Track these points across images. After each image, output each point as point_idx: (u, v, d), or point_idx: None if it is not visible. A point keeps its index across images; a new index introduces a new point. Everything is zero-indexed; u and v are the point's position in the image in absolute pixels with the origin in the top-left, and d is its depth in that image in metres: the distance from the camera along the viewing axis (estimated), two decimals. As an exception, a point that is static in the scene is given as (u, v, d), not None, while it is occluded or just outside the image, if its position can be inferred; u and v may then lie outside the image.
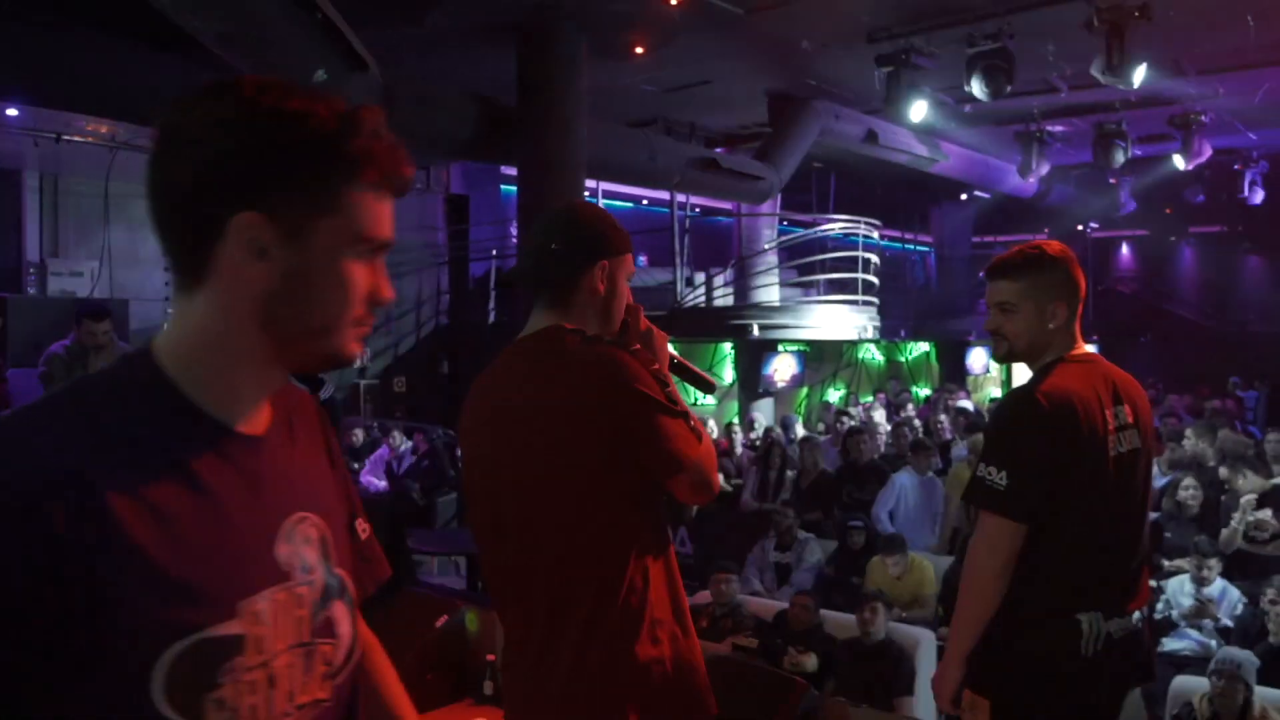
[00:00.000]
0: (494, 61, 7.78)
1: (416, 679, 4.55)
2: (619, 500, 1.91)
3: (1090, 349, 2.34)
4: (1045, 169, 12.00)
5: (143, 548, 0.86)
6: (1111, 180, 12.75)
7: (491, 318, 12.76)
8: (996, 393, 15.77)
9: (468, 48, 7.99)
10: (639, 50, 7.33)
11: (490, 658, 4.74)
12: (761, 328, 10.38)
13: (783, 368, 10.54)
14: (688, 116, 10.36)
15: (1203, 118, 10.46)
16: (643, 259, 14.23)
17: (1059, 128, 11.37)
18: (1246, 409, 12.23)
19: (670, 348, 2.15)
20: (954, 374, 16.17)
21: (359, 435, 9.62)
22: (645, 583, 1.91)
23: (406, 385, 12.73)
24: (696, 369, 2.21)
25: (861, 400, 12.75)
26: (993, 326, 2.36)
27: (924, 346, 16.08)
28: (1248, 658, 4.42)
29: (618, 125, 8.54)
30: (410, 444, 9.08)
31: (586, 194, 11.78)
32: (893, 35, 8.15)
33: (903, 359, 15.41)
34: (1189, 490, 6.20)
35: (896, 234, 16.53)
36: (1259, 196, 12.96)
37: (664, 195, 12.36)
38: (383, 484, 8.85)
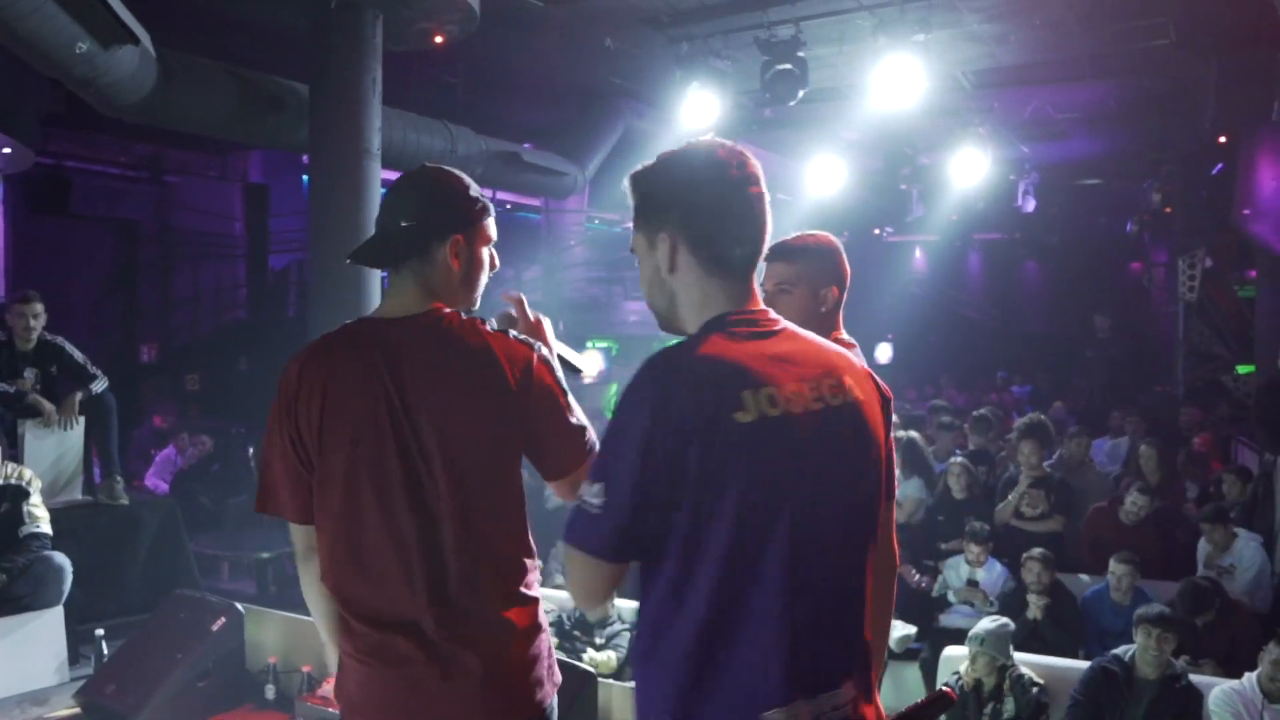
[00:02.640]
0: (286, 42, 7.49)
1: (190, 686, 4.32)
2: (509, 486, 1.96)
3: (847, 338, 2.41)
4: (842, 174, 12.55)
5: None
6: (902, 187, 13.43)
7: (291, 312, 12.27)
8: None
9: (259, 27, 7.65)
10: (438, 39, 7.20)
11: (272, 660, 4.56)
12: (568, 324, 10.40)
13: (590, 363, 10.60)
14: (493, 109, 10.26)
15: (979, 130, 11.18)
16: (451, 253, 14.00)
17: (852, 134, 11.91)
18: (1024, 403, 13.14)
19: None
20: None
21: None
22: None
23: (200, 383, 12.08)
24: (571, 354, 2.18)
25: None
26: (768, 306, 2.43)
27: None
28: (1000, 627, 4.74)
29: (416, 115, 8.36)
30: (194, 449, 8.64)
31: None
32: (691, 36, 8.34)
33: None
34: (958, 478, 6.59)
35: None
36: (1031, 205, 13.96)
37: (473, 190, 12.21)
38: (165, 486, 8.37)
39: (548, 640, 1.99)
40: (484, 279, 2.06)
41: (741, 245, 1.63)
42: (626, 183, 1.71)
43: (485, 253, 2.04)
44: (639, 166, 1.71)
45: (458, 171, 2.04)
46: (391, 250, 1.97)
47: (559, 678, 2.00)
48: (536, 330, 2.08)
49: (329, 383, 1.91)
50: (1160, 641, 4.27)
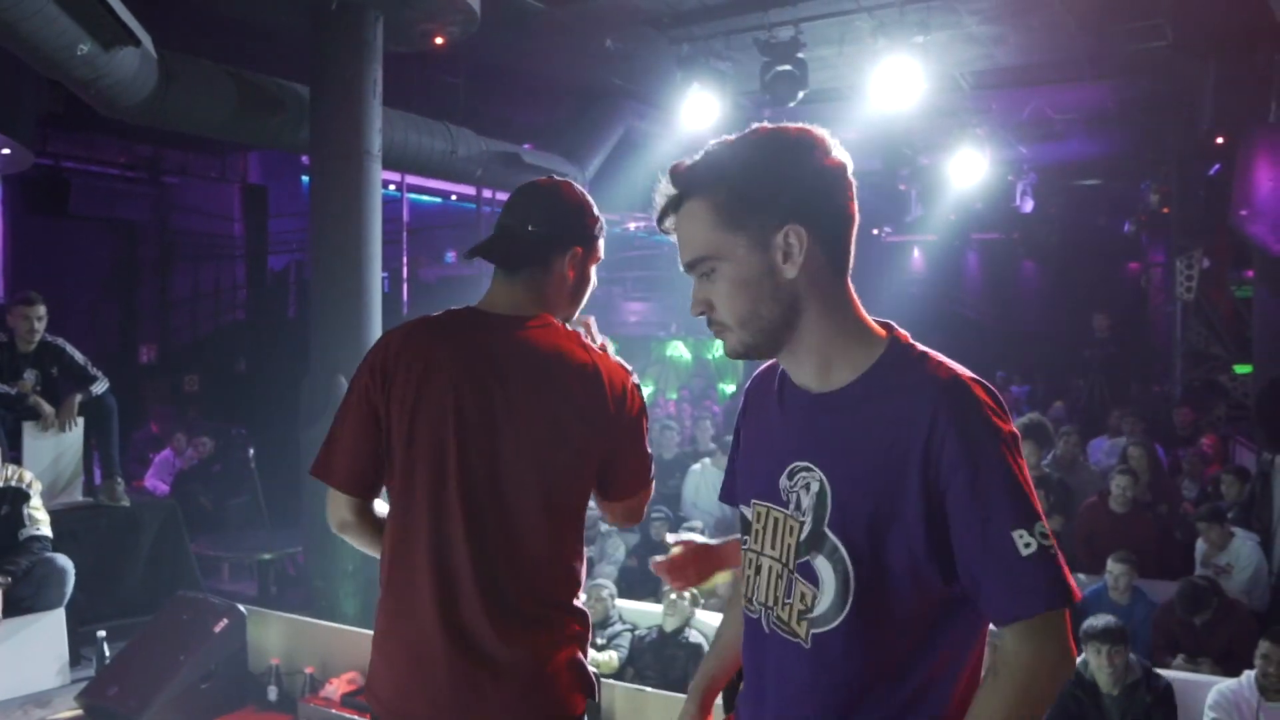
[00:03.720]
0: (287, 44, 7.50)
1: (193, 688, 4.33)
2: (582, 502, 1.96)
3: None
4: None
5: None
6: (901, 187, 13.45)
7: (291, 313, 12.27)
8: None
9: (260, 28, 7.66)
10: (439, 40, 7.20)
11: (275, 661, 4.57)
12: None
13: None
14: (494, 111, 10.27)
15: (977, 131, 11.20)
16: (450, 255, 14.02)
17: (851, 135, 11.91)
18: (1022, 403, 13.16)
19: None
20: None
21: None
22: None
23: (199, 384, 12.08)
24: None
25: (668, 397, 13.01)
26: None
27: (730, 344, 16.55)
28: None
29: (418, 116, 8.37)
30: (193, 450, 8.65)
31: (391, 186, 11.55)
32: (691, 37, 8.35)
33: (710, 356, 15.81)
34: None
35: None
36: (1029, 206, 13.98)
37: (471, 190, 12.24)
38: (165, 487, 8.37)
39: (584, 648, 1.99)
40: (587, 296, 2.10)
41: (853, 240, 1.43)
42: (707, 171, 1.42)
43: (594, 271, 2.09)
44: (706, 154, 1.44)
45: (582, 189, 2.07)
46: (516, 251, 1.98)
47: (592, 684, 2.00)
48: (602, 353, 2.08)
49: (431, 363, 1.90)
50: (1111, 657, 4.21)
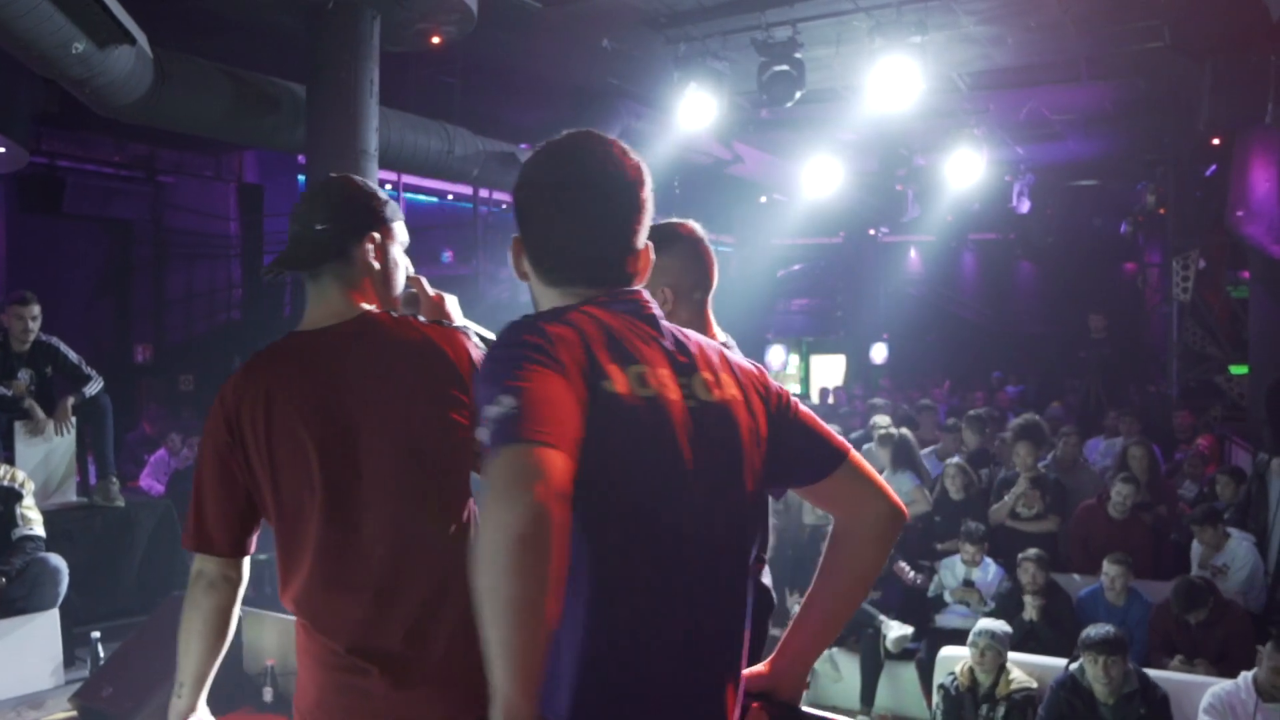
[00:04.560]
0: (282, 43, 7.47)
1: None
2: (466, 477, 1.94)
3: (721, 336, 2.28)
4: (839, 175, 12.57)
5: None
6: (898, 187, 13.46)
7: (287, 312, 12.25)
8: (796, 388, 16.45)
9: (256, 27, 7.64)
10: (435, 40, 7.19)
11: (270, 662, 4.55)
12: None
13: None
14: (490, 110, 10.25)
15: (975, 131, 11.20)
16: (447, 254, 14.01)
17: (848, 135, 11.92)
18: (1016, 403, 13.16)
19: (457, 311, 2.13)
20: (754, 371, 16.72)
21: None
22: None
23: (195, 383, 12.06)
24: (479, 329, 2.17)
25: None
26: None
27: (727, 344, 16.56)
28: (1000, 627, 4.78)
29: (414, 115, 8.35)
30: (188, 449, 8.62)
31: (388, 186, 11.53)
32: (688, 37, 8.34)
33: (706, 356, 15.80)
34: (954, 479, 6.61)
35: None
36: (1026, 206, 13.99)
37: (468, 190, 12.22)
38: (161, 488, 8.35)
39: None
40: (401, 279, 2.07)
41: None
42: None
43: (400, 253, 2.06)
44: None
45: (362, 179, 2.08)
46: (310, 253, 1.96)
47: None
48: (439, 308, 2.10)
49: (271, 399, 1.87)
50: (1108, 667, 4.21)
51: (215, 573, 1.96)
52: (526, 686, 1.12)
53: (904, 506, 1.60)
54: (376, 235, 1.99)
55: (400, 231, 2.07)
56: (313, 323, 1.96)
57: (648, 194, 1.52)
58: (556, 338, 1.32)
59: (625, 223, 1.49)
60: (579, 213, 1.47)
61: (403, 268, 2.08)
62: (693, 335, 1.52)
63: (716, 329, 2.28)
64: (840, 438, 1.62)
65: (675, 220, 2.23)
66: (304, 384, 1.87)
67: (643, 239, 1.53)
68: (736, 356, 1.58)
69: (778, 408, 1.54)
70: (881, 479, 1.61)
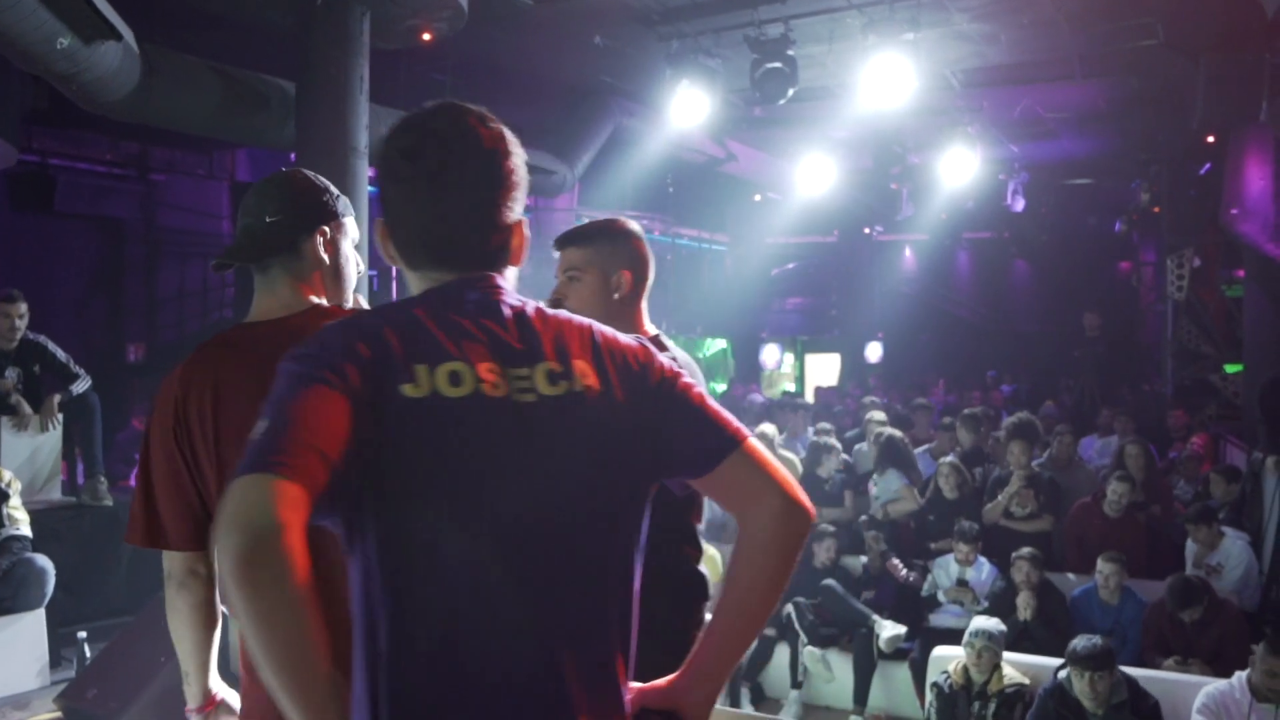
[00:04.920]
0: (271, 39, 7.43)
1: (174, 690, 4.28)
2: None
3: (651, 331, 2.34)
4: (832, 173, 12.55)
5: None
6: (892, 186, 13.44)
7: (279, 311, 12.21)
8: (790, 387, 16.42)
9: (244, 23, 7.59)
10: (426, 36, 7.15)
11: (257, 665, 4.51)
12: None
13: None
14: (482, 107, 10.20)
15: (969, 129, 11.18)
16: (440, 253, 13.96)
17: (841, 133, 11.89)
18: (1009, 401, 13.15)
19: None
20: (749, 370, 16.71)
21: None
22: None
23: (186, 382, 12.00)
24: None
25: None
26: (559, 295, 2.32)
27: (721, 343, 16.53)
28: (995, 625, 4.76)
29: (404, 112, 8.29)
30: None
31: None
32: (681, 34, 8.31)
33: (700, 355, 15.78)
34: (947, 478, 6.59)
35: (693, 232, 16.90)
36: (1020, 205, 13.97)
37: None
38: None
39: None
40: (353, 275, 2.06)
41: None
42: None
43: (350, 248, 2.05)
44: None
45: (313, 174, 2.05)
46: (260, 246, 1.94)
47: None
48: None
49: (219, 390, 1.85)
50: (1093, 683, 4.16)
51: (181, 569, 1.93)
52: (313, 711, 1.10)
53: (808, 504, 1.42)
54: (327, 229, 1.98)
55: (351, 227, 2.05)
56: (260, 315, 1.94)
57: (514, 165, 1.42)
58: (346, 346, 1.27)
59: (482, 197, 1.40)
60: (429, 186, 1.38)
61: (353, 262, 2.06)
62: (552, 318, 1.41)
63: (648, 324, 2.34)
64: (737, 424, 1.45)
65: (616, 217, 2.32)
66: (251, 376, 1.81)
67: (510, 215, 1.43)
68: (617, 336, 1.45)
69: (657, 391, 1.41)
70: (783, 471, 1.43)
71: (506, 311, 1.38)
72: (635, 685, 1.44)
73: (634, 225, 2.34)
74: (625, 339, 1.46)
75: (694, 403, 1.44)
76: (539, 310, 1.42)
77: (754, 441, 1.44)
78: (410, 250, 1.42)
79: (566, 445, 1.34)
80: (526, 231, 1.47)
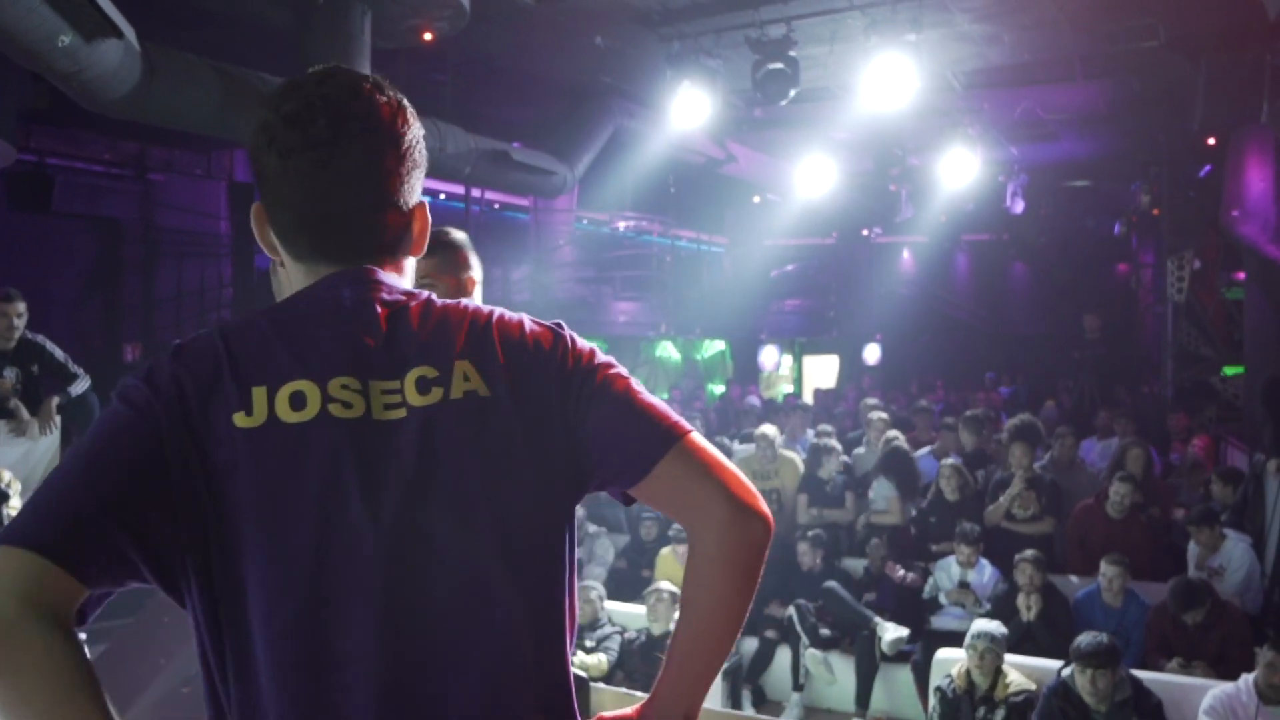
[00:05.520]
0: (272, 38, 7.41)
1: (173, 693, 4.25)
2: None
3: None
4: (832, 175, 12.53)
5: None
6: (892, 187, 13.43)
7: (278, 312, 12.19)
8: (788, 388, 16.41)
9: (246, 22, 7.57)
10: (427, 36, 7.13)
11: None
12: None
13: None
14: (482, 108, 10.20)
15: (969, 131, 11.18)
16: (439, 253, 13.94)
17: (842, 135, 11.88)
18: (1005, 403, 13.14)
19: None
20: (747, 371, 16.70)
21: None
22: None
23: (184, 383, 11.98)
24: None
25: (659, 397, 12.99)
26: None
27: (719, 345, 16.52)
28: (997, 628, 4.74)
29: (405, 112, 8.28)
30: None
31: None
32: (682, 35, 8.29)
33: (698, 357, 15.77)
34: (949, 479, 6.57)
35: (692, 233, 16.90)
36: (1020, 207, 13.97)
37: (460, 189, 12.16)
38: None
39: None
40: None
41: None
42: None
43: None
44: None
45: None
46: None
47: None
48: None
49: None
50: (1095, 680, 4.16)
51: None
52: None
53: (762, 507, 1.21)
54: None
55: None
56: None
57: (411, 141, 1.24)
58: (170, 374, 1.12)
59: (376, 174, 1.21)
60: (316, 159, 1.18)
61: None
62: (438, 312, 1.22)
63: None
64: (675, 418, 1.23)
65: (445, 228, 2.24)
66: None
67: (409, 197, 1.25)
68: (519, 322, 1.25)
69: (568, 385, 1.22)
70: (732, 470, 1.22)
71: (379, 311, 1.19)
72: (600, 714, 1.33)
73: (456, 233, 2.26)
74: (530, 325, 1.25)
75: (618, 395, 1.23)
76: (423, 305, 1.22)
77: (696, 438, 1.22)
78: (291, 237, 1.23)
79: (444, 467, 1.14)
80: (427, 215, 1.29)
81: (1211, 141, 10.44)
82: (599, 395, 1.22)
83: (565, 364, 1.23)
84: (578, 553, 6.37)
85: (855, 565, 6.55)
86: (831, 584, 6.09)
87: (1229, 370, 11.93)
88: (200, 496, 1.08)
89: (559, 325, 1.28)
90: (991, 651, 4.64)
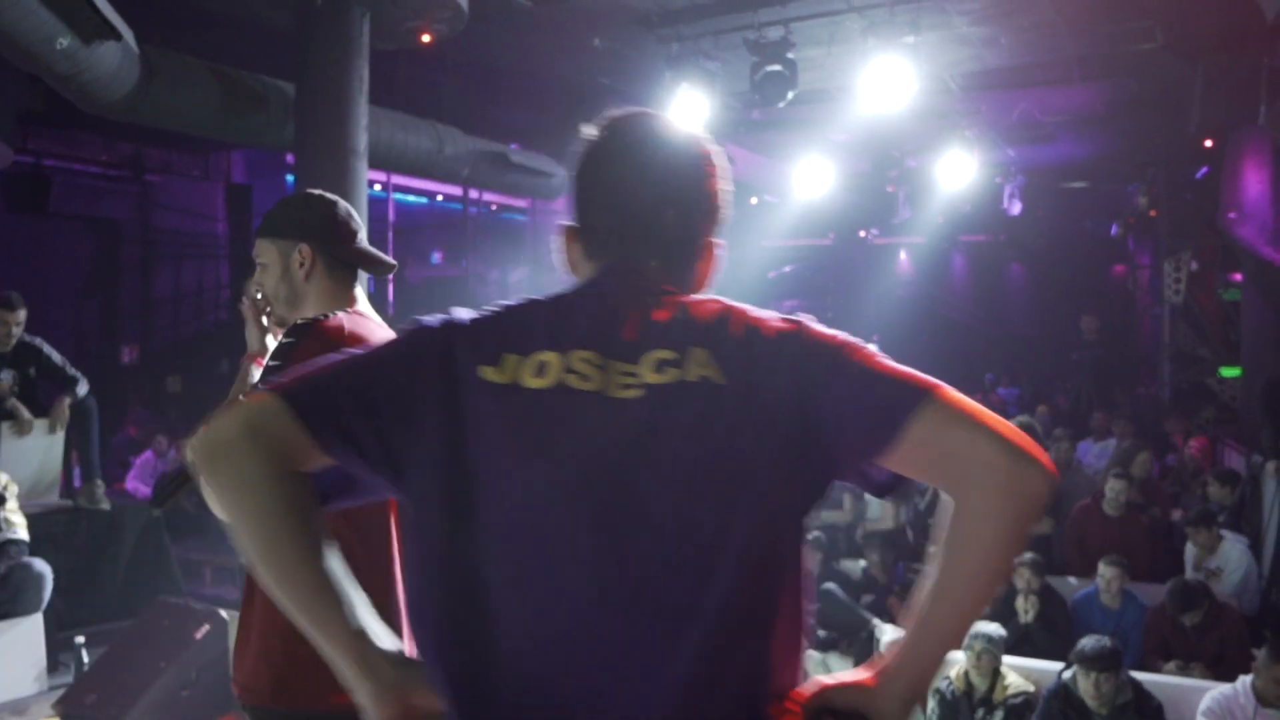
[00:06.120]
0: (271, 40, 7.41)
1: (173, 695, 4.25)
2: None
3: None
4: (830, 176, 12.53)
5: None
6: (889, 189, 13.43)
7: (275, 313, 12.17)
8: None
9: (244, 24, 7.57)
10: (426, 38, 7.13)
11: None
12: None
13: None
14: (481, 109, 10.20)
15: (966, 133, 11.19)
16: (436, 255, 13.95)
17: (840, 136, 11.89)
18: (1009, 405, 13.16)
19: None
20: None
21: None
22: None
23: (182, 384, 11.98)
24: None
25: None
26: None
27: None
28: (995, 629, 4.74)
29: (404, 114, 8.29)
30: (175, 451, 8.55)
31: (377, 186, 11.46)
32: (680, 37, 8.30)
33: (697, 358, 15.73)
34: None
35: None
36: (1017, 208, 13.98)
37: (458, 190, 12.17)
38: (147, 490, 8.27)
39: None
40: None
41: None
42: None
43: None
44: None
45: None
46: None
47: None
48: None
49: None
50: (1099, 684, 4.15)
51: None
52: (326, 629, 1.18)
53: (1040, 454, 1.16)
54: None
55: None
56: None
57: (698, 172, 1.38)
58: (443, 324, 1.29)
59: (677, 187, 1.37)
60: (601, 173, 1.40)
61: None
62: (691, 306, 1.30)
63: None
64: (923, 376, 1.21)
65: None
66: None
67: (705, 223, 1.39)
68: (765, 318, 1.28)
69: (808, 367, 1.22)
70: (997, 418, 1.17)
71: (638, 301, 1.30)
72: (821, 679, 1.26)
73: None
74: (772, 318, 1.28)
75: (855, 364, 1.23)
76: (674, 298, 1.31)
77: (949, 390, 1.18)
78: (591, 232, 1.38)
79: (666, 444, 1.20)
80: (720, 253, 1.42)
81: (1209, 143, 10.46)
82: (835, 369, 1.23)
83: (801, 352, 1.24)
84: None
85: (853, 567, 6.55)
86: (830, 586, 6.09)
87: (1226, 371, 11.95)
88: (442, 426, 1.22)
89: (803, 318, 1.31)
90: (989, 652, 4.64)
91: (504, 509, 1.20)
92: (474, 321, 1.29)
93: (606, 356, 1.24)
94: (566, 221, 1.42)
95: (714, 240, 1.41)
